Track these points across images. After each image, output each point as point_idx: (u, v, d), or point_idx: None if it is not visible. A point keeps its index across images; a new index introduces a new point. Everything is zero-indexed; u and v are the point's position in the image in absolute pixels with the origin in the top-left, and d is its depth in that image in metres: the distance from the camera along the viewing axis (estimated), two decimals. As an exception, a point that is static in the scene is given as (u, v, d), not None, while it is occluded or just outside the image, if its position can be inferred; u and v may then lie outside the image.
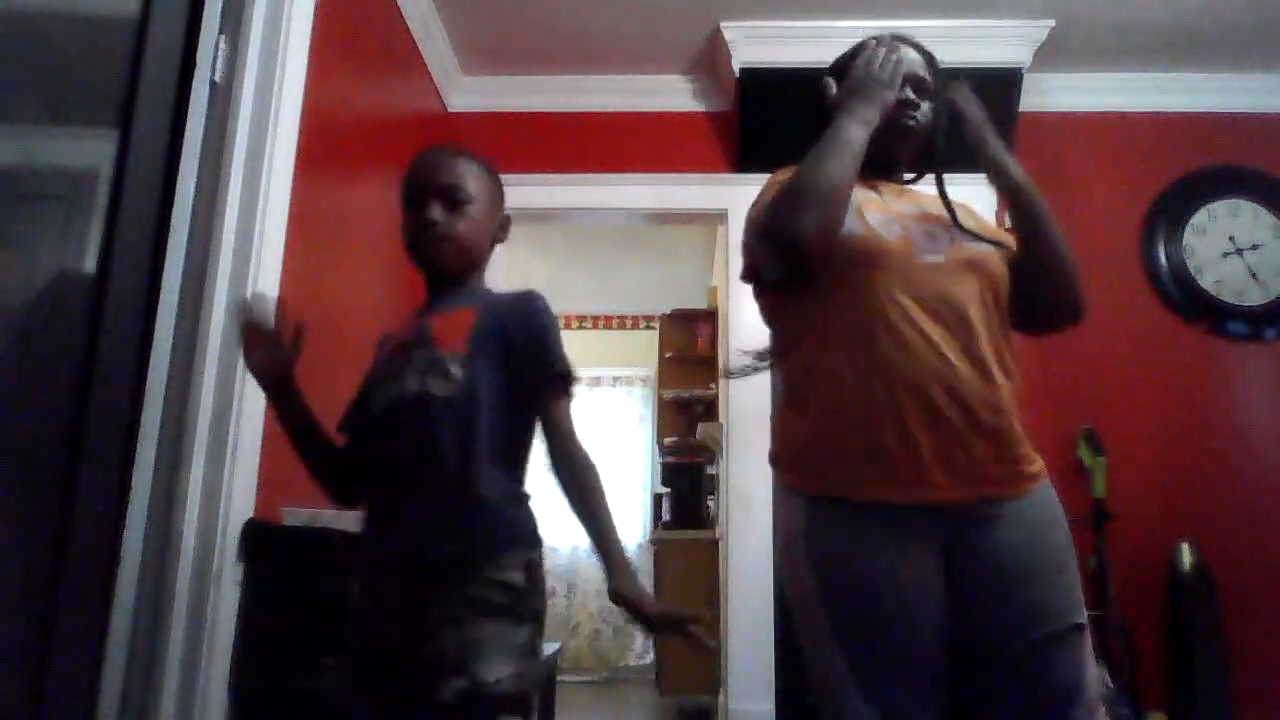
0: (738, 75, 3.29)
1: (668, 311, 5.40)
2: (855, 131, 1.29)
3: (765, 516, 3.19)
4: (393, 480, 1.25)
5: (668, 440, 5.06)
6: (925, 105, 1.42)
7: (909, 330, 1.22)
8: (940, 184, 1.43)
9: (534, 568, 1.23)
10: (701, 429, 4.44)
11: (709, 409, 4.90)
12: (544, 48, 3.40)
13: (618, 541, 1.23)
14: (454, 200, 1.33)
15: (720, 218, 3.58)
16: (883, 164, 1.42)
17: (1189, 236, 3.36)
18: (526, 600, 1.19)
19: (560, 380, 1.29)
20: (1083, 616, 1.21)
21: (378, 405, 1.29)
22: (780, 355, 1.44)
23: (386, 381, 1.28)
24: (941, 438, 1.19)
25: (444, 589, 1.15)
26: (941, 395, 1.19)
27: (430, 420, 1.21)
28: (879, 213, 1.33)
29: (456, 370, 1.22)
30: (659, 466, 5.16)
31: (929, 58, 1.50)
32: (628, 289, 5.99)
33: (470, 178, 1.36)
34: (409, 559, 1.20)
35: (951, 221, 1.37)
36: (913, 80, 1.42)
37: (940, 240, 1.31)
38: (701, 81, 3.58)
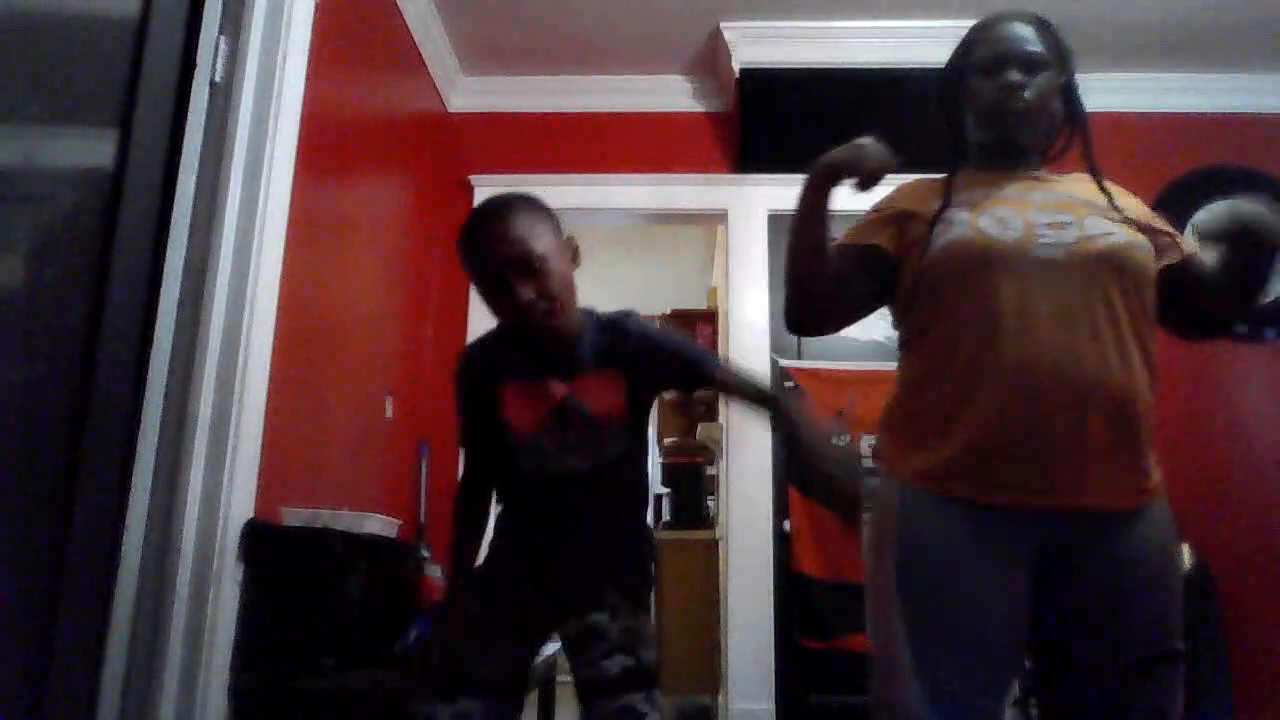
0: (738, 75, 3.29)
1: (668, 311, 5.39)
2: (801, 207, 1.32)
3: (765, 516, 3.19)
4: (568, 530, 1.38)
5: (668, 440, 5.05)
6: (1040, 78, 1.32)
7: (1020, 331, 1.16)
8: (1088, 158, 1.36)
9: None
10: (701, 429, 4.44)
11: (709, 409, 4.89)
12: (544, 48, 3.40)
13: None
14: (531, 265, 1.28)
15: (720, 218, 3.58)
16: (1007, 154, 1.35)
17: (1189, 237, 3.36)
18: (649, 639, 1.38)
19: (707, 355, 1.46)
20: (1179, 644, 1.17)
21: (548, 469, 1.36)
22: (902, 350, 1.40)
23: (555, 453, 1.35)
24: (1043, 442, 1.13)
25: (601, 615, 1.33)
26: (1049, 397, 1.13)
27: (612, 483, 1.39)
28: (1000, 208, 1.26)
29: (626, 433, 1.37)
30: (659, 466, 5.16)
31: (1042, 26, 1.40)
32: (628, 289, 5.95)
33: (534, 230, 1.30)
34: (582, 569, 1.37)
35: (1108, 204, 1.29)
36: (1017, 58, 1.32)
37: (1069, 230, 1.22)
38: (701, 81, 3.58)
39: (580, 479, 1.36)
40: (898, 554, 1.20)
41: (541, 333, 1.31)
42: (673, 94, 3.61)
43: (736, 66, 3.28)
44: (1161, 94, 3.46)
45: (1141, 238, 1.25)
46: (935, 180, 1.41)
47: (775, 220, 3.49)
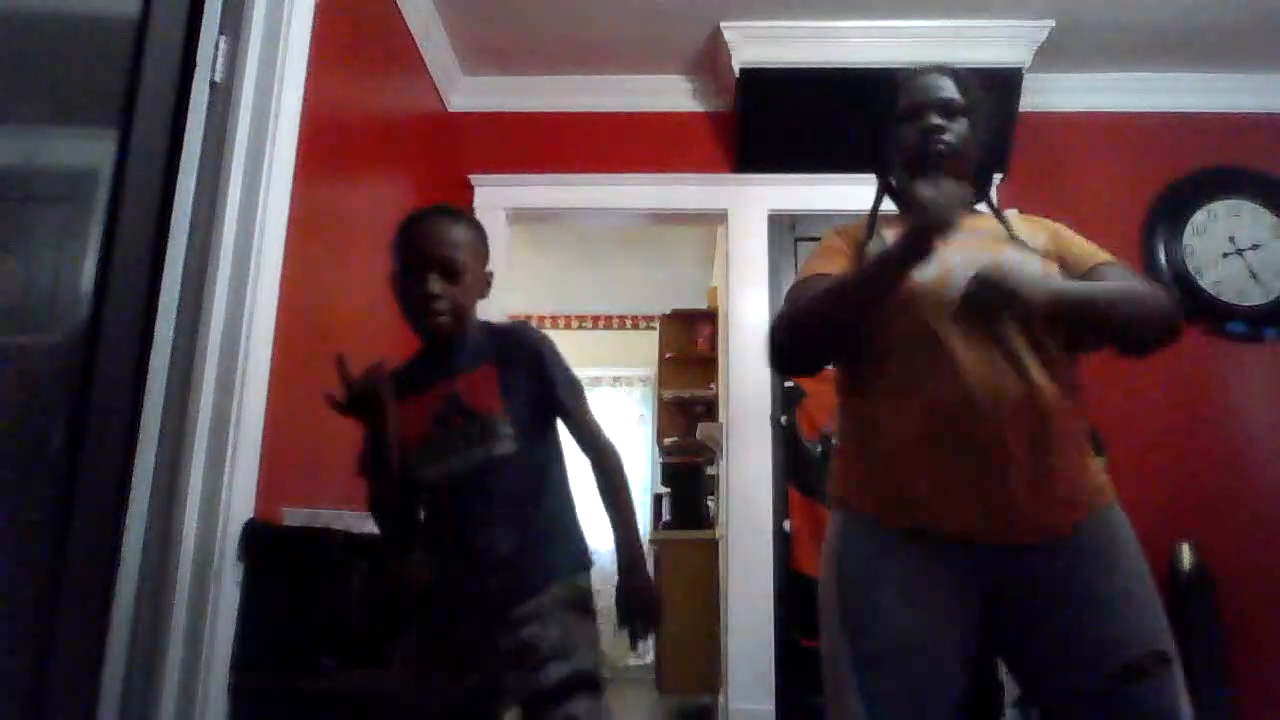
0: (738, 75, 3.29)
1: (668, 311, 5.40)
2: (883, 274, 1.26)
3: (765, 516, 3.19)
4: (472, 530, 1.37)
5: (668, 440, 5.06)
6: (958, 124, 1.41)
7: (940, 365, 1.22)
8: (984, 196, 1.45)
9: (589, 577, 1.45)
10: (701, 429, 4.44)
11: (709, 409, 4.90)
12: (544, 48, 3.40)
13: (637, 540, 1.42)
14: (451, 271, 1.39)
15: (720, 218, 3.58)
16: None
17: (1189, 237, 3.36)
18: (592, 601, 1.41)
19: (570, 387, 1.44)
20: (1165, 644, 1.16)
21: (437, 474, 1.38)
22: (840, 398, 1.44)
23: (439, 454, 1.38)
24: (970, 472, 1.17)
25: (531, 596, 1.33)
26: (969, 427, 1.18)
27: (504, 478, 1.37)
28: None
29: (508, 429, 1.38)
30: (659, 466, 5.16)
31: (956, 76, 1.48)
32: (628, 289, 5.98)
33: (464, 245, 1.43)
34: (499, 580, 1.34)
35: (1008, 235, 1.37)
36: (936, 105, 1.41)
37: (982, 264, 1.27)
38: (701, 81, 3.58)
39: (473, 480, 1.36)
40: (837, 577, 1.26)
41: (432, 330, 1.40)
42: (673, 94, 3.61)
43: (736, 66, 3.28)
44: (1162, 94, 3.46)
45: (1053, 266, 1.33)
46: (859, 224, 1.54)
47: (775, 220, 3.49)
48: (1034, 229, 1.43)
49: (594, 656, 1.35)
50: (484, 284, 1.48)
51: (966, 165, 1.42)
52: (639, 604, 1.36)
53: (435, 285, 1.37)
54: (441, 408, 1.40)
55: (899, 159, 1.45)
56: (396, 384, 1.40)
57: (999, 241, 1.36)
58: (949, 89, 1.44)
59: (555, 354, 1.45)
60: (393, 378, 1.38)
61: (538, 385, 1.42)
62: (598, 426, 1.45)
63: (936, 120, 1.39)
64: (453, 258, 1.39)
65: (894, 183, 1.50)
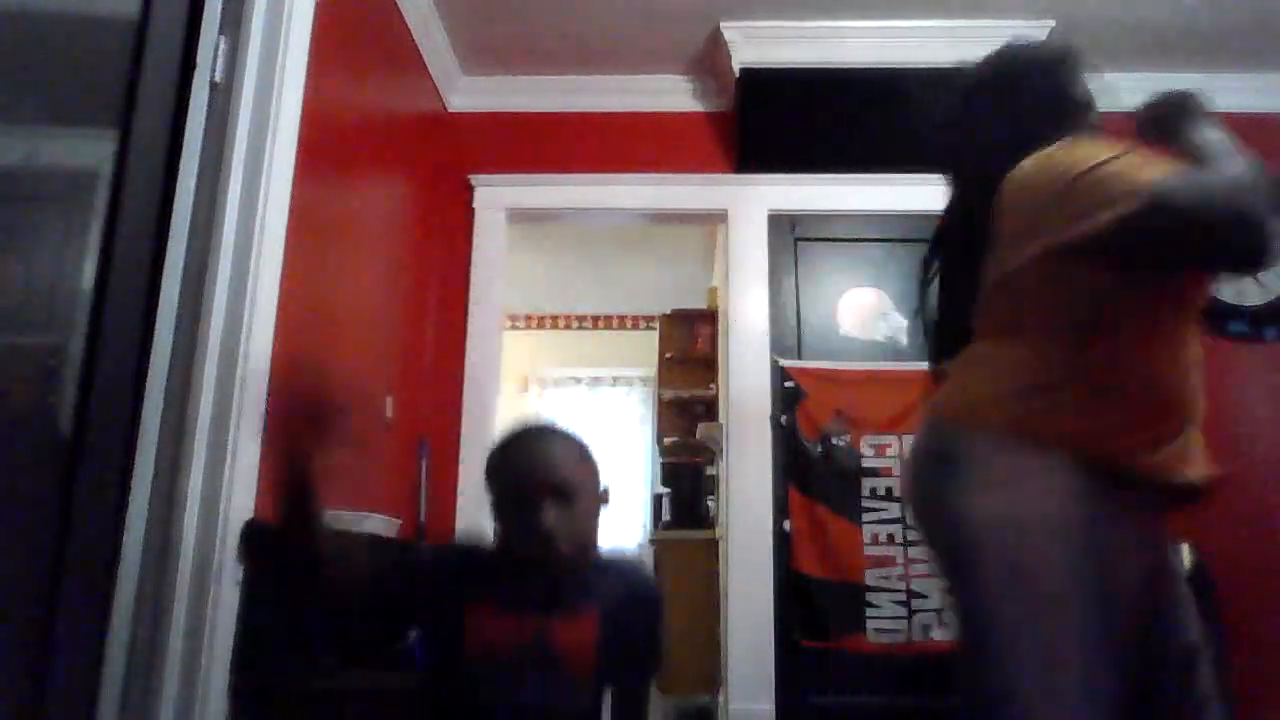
0: (738, 75, 3.29)
1: (668, 311, 5.40)
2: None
3: (765, 516, 3.19)
4: None
5: (668, 440, 5.06)
6: None
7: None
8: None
9: None
10: (701, 429, 4.44)
11: (709, 409, 4.90)
12: (544, 48, 3.40)
13: None
14: (566, 496, 1.24)
15: (720, 218, 3.58)
16: None
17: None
18: None
19: (659, 663, 1.39)
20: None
21: (502, 702, 1.26)
22: (1084, 329, 1.23)
23: (510, 685, 1.26)
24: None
25: None
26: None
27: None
28: None
29: (585, 690, 1.29)
30: (659, 466, 5.16)
31: None
32: (628, 289, 5.98)
33: (574, 464, 1.28)
34: None
35: None
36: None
37: None
38: (701, 81, 3.58)
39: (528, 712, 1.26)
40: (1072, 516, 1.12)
41: (551, 566, 1.25)
42: (673, 94, 3.61)
43: (736, 66, 3.28)
44: (1162, 94, 3.46)
45: None
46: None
47: (775, 220, 3.49)
48: None
49: None
50: (604, 498, 1.33)
51: None
52: None
53: (551, 519, 1.21)
54: (526, 643, 1.26)
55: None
56: (464, 576, 1.29)
57: None
58: None
59: (665, 623, 1.36)
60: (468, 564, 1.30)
61: (634, 654, 1.33)
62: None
63: None
64: (568, 481, 1.24)
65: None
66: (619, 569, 1.37)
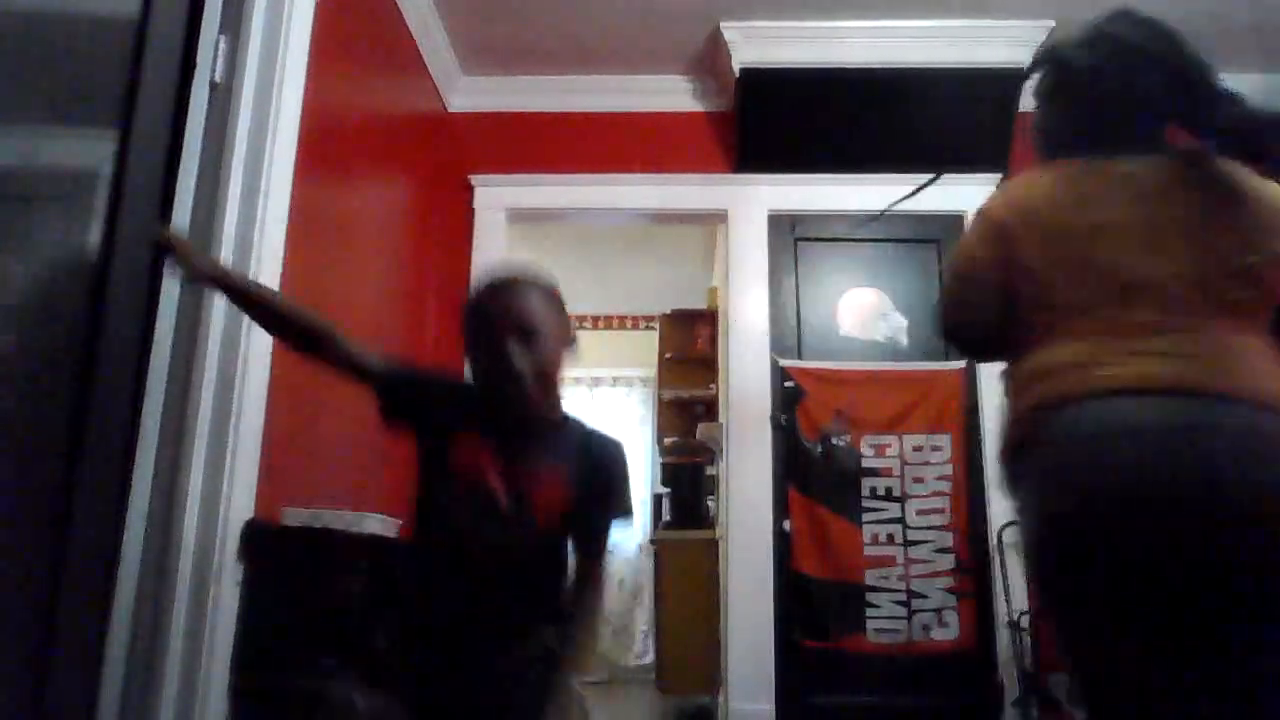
0: (738, 75, 3.29)
1: (668, 311, 5.39)
2: None
3: (765, 516, 3.19)
4: (477, 603, 1.34)
5: (668, 440, 5.05)
6: None
7: None
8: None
9: None
10: (701, 429, 4.44)
11: (709, 409, 4.89)
12: (544, 48, 3.40)
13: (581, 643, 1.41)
14: (529, 332, 1.33)
15: (720, 218, 3.58)
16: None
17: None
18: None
19: (626, 519, 1.44)
20: None
21: (470, 531, 1.34)
22: None
23: (482, 519, 1.34)
24: None
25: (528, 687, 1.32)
26: None
27: (526, 577, 1.36)
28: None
29: (555, 543, 1.37)
30: (659, 466, 5.16)
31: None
32: (628, 289, 5.98)
33: (539, 304, 1.37)
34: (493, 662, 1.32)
35: None
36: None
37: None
38: (701, 81, 3.58)
39: (497, 559, 1.33)
40: None
41: (518, 404, 1.34)
42: (673, 94, 3.61)
43: (736, 66, 3.28)
44: (1161, 94, 3.45)
45: None
46: None
47: (775, 220, 3.49)
48: None
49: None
50: (570, 339, 1.43)
51: None
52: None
53: (521, 360, 1.31)
54: (499, 485, 1.34)
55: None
56: (461, 403, 1.40)
57: None
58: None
59: (629, 482, 1.45)
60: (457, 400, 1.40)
61: (600, 506, 1.40)
62: (603, 578, 1.47)
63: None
64: (535, 324, 1.34)
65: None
66: (584, 428, 1.46)
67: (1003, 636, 3.04)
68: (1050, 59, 1.45)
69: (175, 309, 1.72)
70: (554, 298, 1.41)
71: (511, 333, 1.32)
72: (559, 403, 1.43)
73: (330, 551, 1.80)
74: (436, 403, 1.41)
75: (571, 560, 1.41)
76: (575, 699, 1.34)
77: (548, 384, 1.38)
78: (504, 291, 1.37)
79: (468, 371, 1.42)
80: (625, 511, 1.44)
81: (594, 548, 1.42)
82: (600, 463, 1.42)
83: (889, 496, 3.19)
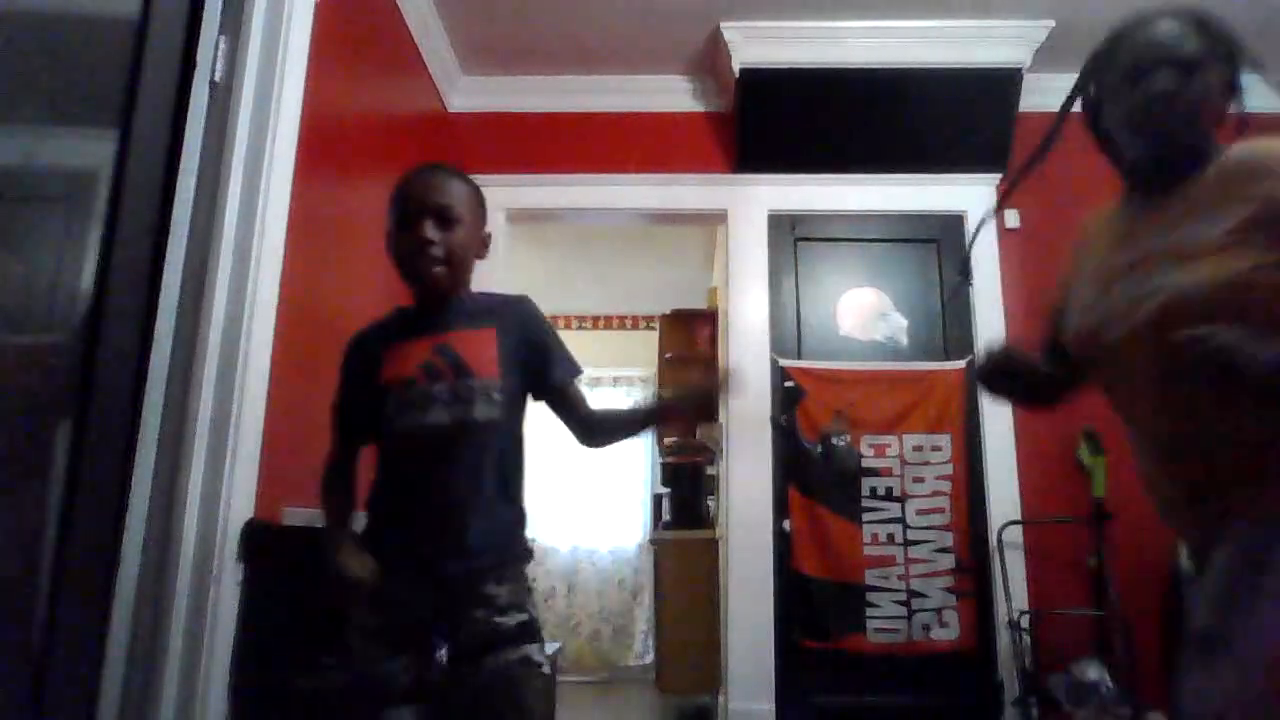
0: (738, 75, 3.29)
1: (668, 311, 5.39)
2: None
3: (765, 516, 3.19)
4: (432, 494, 1.36)
5: (668, 440, 5.05)
6: (1193, 80, 1.18)
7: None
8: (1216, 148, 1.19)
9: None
10: (701, 429, 4.44)
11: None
12: (544, 48, 3.40)
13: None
14: (446, 219, 1.40)
15: (720, 218, 3.58)
16: (1151, 183, 1.22)
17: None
18: (533, 598, 1.43)
19: (570, 364, 1.48)
20: None
21: (411, 424, 1.36)
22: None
23: (422, 404, 1.36)
24: None
25: (489, 585, 1.34)
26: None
27: (483, 446, 1.37)
28: (1093, 281, 1.24)
29: (499, 396, 1.38)
30: (659, 466, 5.16)
31: (1197, 24, 1.25)
32: (628, 289, 5.98)
33: (460, 196, 1.43)
34: (454, 561, 1.34)
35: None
36: (1167, 57, 1.17)
37: (1144, 283, 1.12)
38: (701, 81, 3.58)
39: (445, 436, 1.35)
40: None
41: (427, 277, 1.40)
42: (673, 94, 3.61)
43: (736, 66, 3.28)
44: (1161, 94, 3.45)
45: (1242, 255, 1.06)
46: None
47: (775, 220, 3.49)
48: (1244, 187, 1.13)
49: (537, 610, 1.39)
50: (481, 243, 1.48)
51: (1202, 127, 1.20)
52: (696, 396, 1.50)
53: (430, 232, 1.38)
54: (432, 359, 1.38)
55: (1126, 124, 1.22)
56: (382, 332, 1.45)
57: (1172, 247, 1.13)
58: (1173, 39, 1.21)
59: (554, 329, 1.50)
60: (379, 333, 1.45)
61: (535, 357, 1.44)
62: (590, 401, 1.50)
63: (1164, 82, 1.16)
64: (448, 204, 1.40)
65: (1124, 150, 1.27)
66: (498, 297, 1.52)
67: (1002, 636, 3.04)
68: None
69: (175, 309, 1.72)
70: (477, 197, 1.48)
71: (431, 214, 1.39)
72: (468, 284, 1.49)
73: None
74: (363, 365, 1.44)
75: (565, 415, 1.47)
76: (540, 678, 1.35)
77: (458, 272, 1.43)
78: (426, 175, 1.44)
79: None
80: (567, 354, 1.48)
81: (559, 386, 1.46)
82: (520, 317, 1.47)
83: (889, 496, 3.19)
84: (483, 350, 1.40)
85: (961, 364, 3.29)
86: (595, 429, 1.47)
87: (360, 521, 1.43)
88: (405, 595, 1.34)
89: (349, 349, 1.51)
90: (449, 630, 1.34)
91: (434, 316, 1.43)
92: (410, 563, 1.34)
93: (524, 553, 1.43)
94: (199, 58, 1.79)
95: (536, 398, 1.48)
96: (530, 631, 1.34)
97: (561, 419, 1.47)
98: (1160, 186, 1.21)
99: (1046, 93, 3.39)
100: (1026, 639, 2.91)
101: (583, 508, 5.88)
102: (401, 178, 1.45)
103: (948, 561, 3.13)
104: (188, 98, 1.76)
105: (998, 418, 3.24)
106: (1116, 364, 1.19)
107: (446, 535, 1.34)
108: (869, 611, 3.09)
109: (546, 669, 1.36)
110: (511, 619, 1.33)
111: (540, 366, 1.45)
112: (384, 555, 1.33)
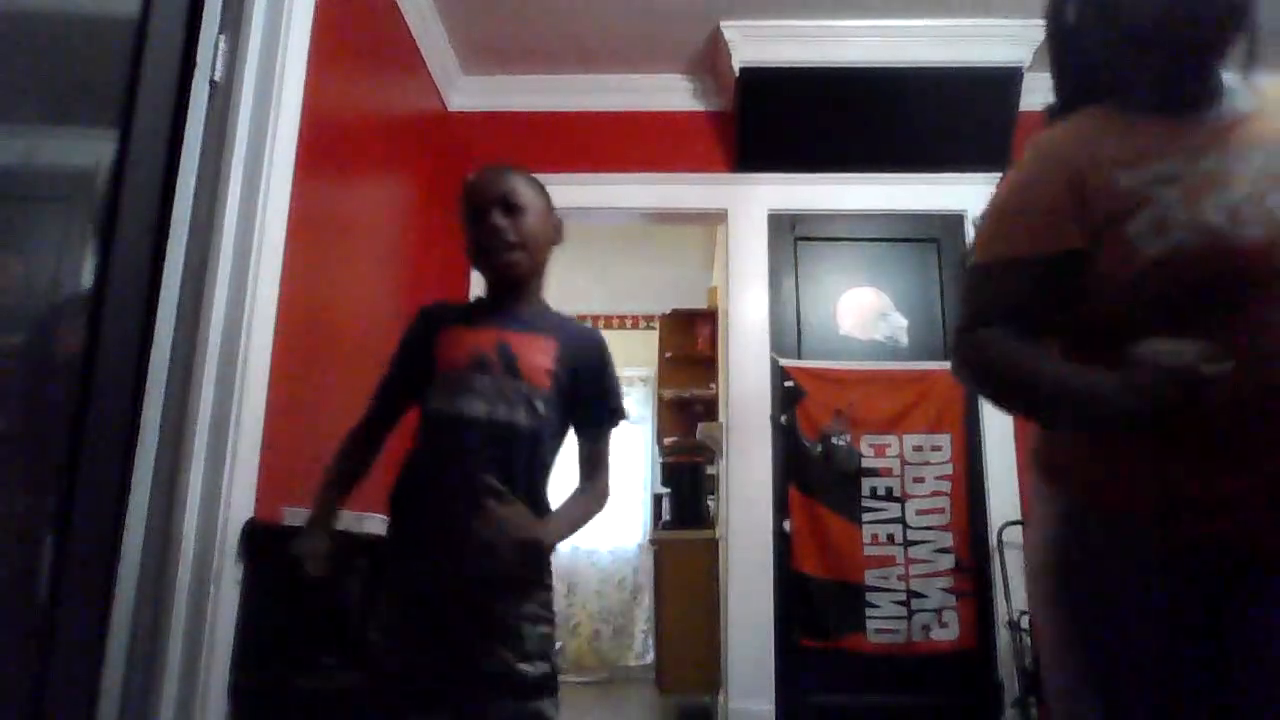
0: (738, 75, 3.29)
1: (668, 311, 5.39)
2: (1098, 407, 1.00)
3: (765, 516, 3.19)
4: (458, 493, 1.35)
5: (668, 440, 5.05)
6: None
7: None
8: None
9: None
10: (701, 429, 4.44)
11: (709, 409, 4.89)
12: (544, 48, 3.40)
13: (563, 529, 1.42)
14: (512, 205, 1.43)
15: (720, 218, 3.58)
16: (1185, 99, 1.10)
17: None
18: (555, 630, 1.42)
19: (619, 413, 1.49)
20: None
21: (454, 410, 1.37)
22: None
23: (468, 393, 1.37)
24: None
25: (513, 599, 1.34)
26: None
27: (513, 451, 1.37)
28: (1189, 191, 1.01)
29: (543, 409, 1.39)
30: (659, 466, 5.16)
31: None
32: (628, 289, 5.98)
33: (521, 185, 1.47)
34: (471, 561, 1.33)
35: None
36: None
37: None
38: (701, 81, 3.58)
39: (482, 428, 1.35)
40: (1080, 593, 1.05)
41: (501, 264, 1.43)
42: (673, 94, 3.61)
43: (736, 66, 3.28)
44: (1161, 94, 3.45)
45: None
46: (1073, 133, 1.17)
47: (775, 220, 3.49)
48: None
49: (557, 659, 1.39)
50: (554, 228, 1.50)
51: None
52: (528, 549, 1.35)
53: (499, 220, 1.41)
54: (487, 351, 1.39)
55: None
56: (450, 313, 1.49)
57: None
58: None
59: (615, 373, 1.50)
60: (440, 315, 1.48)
61: (589, 389, 1.44)
62: (610, 470, 1.49)
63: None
64: (510, 191, 1.43)
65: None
66: (574, 322, 1.53)
67: (1002, 636, 3.04)
68: None
69: (175, 309, 1.72)
70: (541, 189, 1.50)
71: (497, 204, 1.43)
72: (542, 289, 1.51)
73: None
74: (420, 339, 1.48)
75: (577, 446, 1.48)
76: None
77: (533, 256, 1.45)
78: (493, 172, 1.48)
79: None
80: (617, 401, 1.48)
81: (593, 429, 1.47)
82: (586, 346, 1.48)
83: (889, 496, 3.19)
84: (539, 357, 1.40)
85: (961, 364, 3.28)
86: (586, 497, 1.47)
87: (357, 516, 1.44)
88: (426, 588, 1.34)
89: (414, 320, 1.53)
90: (467, 659, 1.32)
91: (504, 311, 1.45)
92: (427, 554, 1.35)
93: (547, 575, 1.40)
94: (199, 57, 1.79)
95: (575, 428, 1.48)
96: (549, 687, 1.33)
97: (578, 456, 1.48)
98: (1192, 103, 1.10)
99: (1047, 92, 3.40)
100: (1026, 639, 2.91)
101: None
102: (462, 184, 1.49)
103: (948, 561, 3.14)
104: (187, 97, 1.75)
105: (998, 418, 3.24)
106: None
107: (467, 532, 1.33)
108: (869, 611, 3.09)
109: None
110: (536, 669, 1.32)
111: (590, 396, 1.45)
112: (402, 543, 1.36)
